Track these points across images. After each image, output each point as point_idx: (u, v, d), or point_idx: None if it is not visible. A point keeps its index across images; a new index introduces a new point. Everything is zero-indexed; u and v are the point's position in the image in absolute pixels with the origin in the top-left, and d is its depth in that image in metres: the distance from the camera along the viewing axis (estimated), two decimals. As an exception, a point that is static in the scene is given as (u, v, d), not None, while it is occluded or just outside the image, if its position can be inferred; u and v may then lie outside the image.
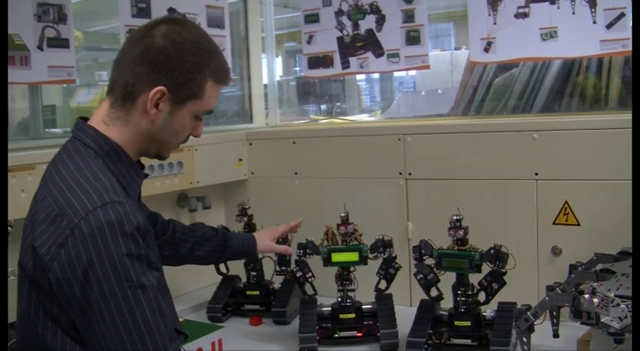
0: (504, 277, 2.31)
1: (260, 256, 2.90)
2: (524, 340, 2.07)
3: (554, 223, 2.59)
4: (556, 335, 2.18)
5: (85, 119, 1.70)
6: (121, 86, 1.65)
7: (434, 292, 2.42)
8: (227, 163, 3.27)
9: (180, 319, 2.41)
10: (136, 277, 1.51)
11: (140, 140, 1.69)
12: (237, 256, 2.61)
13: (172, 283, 2.79)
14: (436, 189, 2.82)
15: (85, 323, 1.51)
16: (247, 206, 2.91)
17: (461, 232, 2.31)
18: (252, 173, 3.33)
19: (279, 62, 3.99)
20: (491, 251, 2.29)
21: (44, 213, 1.55)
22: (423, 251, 2.40)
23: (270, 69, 3.83)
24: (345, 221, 2.52)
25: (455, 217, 2.33)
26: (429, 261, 2.41)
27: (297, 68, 4.37)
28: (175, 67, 1.63)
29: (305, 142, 3.18)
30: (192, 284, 3.22)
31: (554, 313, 2.14)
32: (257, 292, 2.93)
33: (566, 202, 2.56)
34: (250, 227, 2.90)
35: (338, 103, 4.31)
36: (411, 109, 3.73)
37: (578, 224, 2.54)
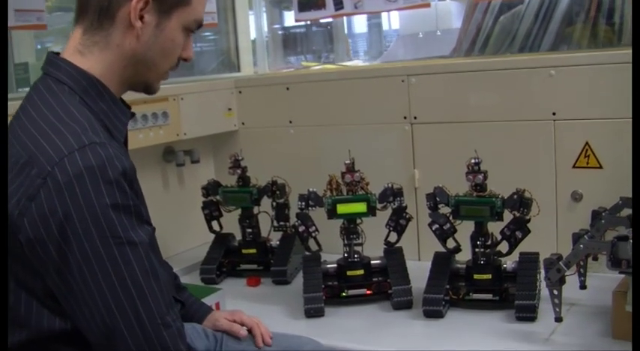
0: (528, 225, 2.11)
1: (255, 211, 2.68)
2: (556, 292, 1.88)
3: (574, 167, 2.40)
4: (583, 286, 2.03)
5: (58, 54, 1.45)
6: (95, 5, 1.40)
7: (451, 244, 2.23)
8: (215, 113, 3.07)
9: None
10: (124, 232, 1.30)
11: (124, 65, 1.44)
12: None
13: (160, 243, 2.66)
14: (444, 133, 2.62)
15: (63, 290, 1.30)
16: (240, 157, 2.70)
17: (480, 177, 2.11)
18: (243, 124, 3.12)
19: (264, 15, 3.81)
20: (514, 197, 2.09)
21: (10, 161, 1.32)
22: (437, 199, 2.19)
23: (257, 20, 3.66)
24: (350, 169, 2.30)
25: (473, 161, 2.12)
26: (444, 210, 2.20)
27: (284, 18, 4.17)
28: None
29: (299, 87, 2.96)
30: (182, 244, 3.04)
31: (582, 263, 1.97)
32: (254, 251, 2.73)
33: (586, 143, 2.37)
34: (244, 180, 2.69)
35: (325, 54, 4.14)
36: (410, 52, 3.51)
37: (600, 167, 2.36)
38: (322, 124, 2.89)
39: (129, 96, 1.52)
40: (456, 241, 2.22)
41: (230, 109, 3.10)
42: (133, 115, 1.55)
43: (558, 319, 1.90)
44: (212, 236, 2.80)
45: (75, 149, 1.27)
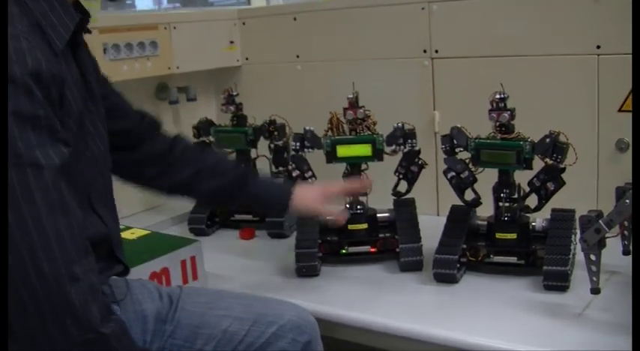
0: (562, 175, 1.77)
1: (253, 155, 2.37)
2: (593, 258, 1.54)
3: (620, 110, 2.05)
4: (627, 251, 1.71)
5: None
6: None
7: (469, 196, 1.90)
8: (215, 46, 2.76)
9: (134, 231, 1.95)
10: (26, 149, 1.04)
11: None
12: (257, 205, 1.97)
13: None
14: (469, 69, 2.28)
15: None
16: (235, 93, 2.39)
17: (506, 115, 1.76)
18: (247, 59, 2.83)
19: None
20: (547, 140, 1.74)
21: None
22: (455, 142, 1.85)
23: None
24: (353, 104, 1.96)
25: (498, 96, 1.77)
26: (463, 155, 1.87)
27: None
28: None
29: (308, 17, 2.64)
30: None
31: (626, 223, 1.65)
32: None
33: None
34: (239, 119, 2.38)
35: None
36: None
37: None
38: (332, 60, 2.58)
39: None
40: (475, 192, 1.89)
41: (232, 43, 2.80)
42: (84, 21, 1.32)
43: (595, 291, 1.56)
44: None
45: None
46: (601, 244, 1.53)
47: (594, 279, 1.55)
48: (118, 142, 1.55)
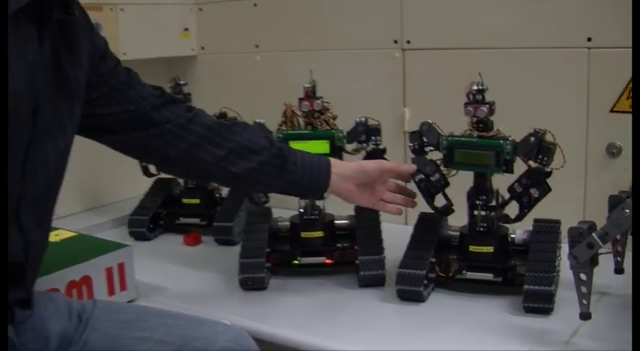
0: (548, 181, 1.54)
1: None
2: (584, 277, 1.30)
3: (612, 111, 1.83)
4: (620, 270, 1.49)
5: None
6: None
7: (440, 202, 1.66)
8: (168, 32, 2.52)
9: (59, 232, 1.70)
10: None
11: None
12: (295, 191, 1.60)
13: (92, 188, 2.20)
14: (445, 63, 2.06)
15: None
16: (183, 82, 2.16)
17: (484, 109, 1.52)
18: (203, 48, 2.61)
19: None
20: (531, 139, 1.50)
21: None
22: (425, 139, 1.61)
23: None
24: (310, 95, 1.72)
25: (475, 87, 1.54)
26: (435, 155, 1.64)
27: None
28: None
29: (270, 3, 2.42)
30: (120, 191, 2.50)
31: (618, 238, 1.40)
32: (197, 201, 2.20)
33: (631, 80, 1.78)
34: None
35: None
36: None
37: None
38: (294, 50, 2.36)
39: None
40: (447, 198, 1.65)
41: (187, 30, 2.58)
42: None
43: (585, 316, 1.32)
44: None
45: None
46: (593, 261, 1.30)
47: (584, 302, 1.31)
48: (125, 124, 1.41)
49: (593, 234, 1.28)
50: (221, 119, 2.05)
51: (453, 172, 1.62)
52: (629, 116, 1.79)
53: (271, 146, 1.52)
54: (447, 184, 1.62)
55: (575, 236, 1.30)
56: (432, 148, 1.62)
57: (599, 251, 1.31)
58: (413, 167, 1.61)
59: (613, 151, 1.84)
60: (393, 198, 1.65)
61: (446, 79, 2.01)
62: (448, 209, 1.64)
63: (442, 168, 1.61)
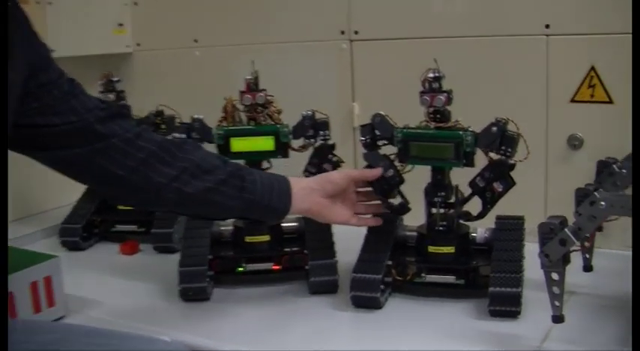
0: (512, 173, 1.43)
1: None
2: (556, 277, 1.19)
3: (572, 101, 1.74)
4: (589, 267, 1.44)
5: None
6: None
7: (395, 201, 1.54)
8: (101, 28, 2.37)
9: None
10: None
11: None
12: (257, 213, 1.42)
13: (20, 197, 2.12)
14: (396, 54, 1.95)
15: None
16: (116, 79, 2.01)
17: (442, 98, 1.41)
18: (139, 45, 2.46)
19: None
20: (493, 129, 1.39)
21: None
22: (377, 132, 1.49)
23: None
24: (251, 87, 1.59)
25: (431, 74, 1.42)
26: (388, 150, 1.52)
27: None
28: None
29: (208, -5, 2.29)
30: (52, 199, 2.32)
31: (587, 235, 1.32)
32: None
33: (592, 68, 1.70)
34: (121, 109, 1.98)
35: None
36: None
37: (610, 101, 1.70)
38: (235, 44, 2.23)
39: None
40: (402, 196, 1.53)
41: (121, 25, 2.43)
42: None
43: (558, 319, 1.21)
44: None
45: None
46: (566, 259, 1.19)
47: (557, 304, 1.20)
48: (67, 137, 1.24)
49: (566, 229, 1.17)
50: (157, 118, 1.93)
51: (409, 167, 1.50)
52: (590, 106, 1.73)
53: (225, 165, 1.37)
54: (402, 180, 1.50)
55: (546, 232, 1.19)
56: (385, 142, 1.50)
57: (573, 248, 1.21)
58: (378, 171, 1.48)
59: (575, 143, 1.75)
60: (367, 208, 1.53)
61: (397, 71, 1.90)
62: (404, 208, 1.52)
63: (396, 163, 1.49)
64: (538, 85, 1.76)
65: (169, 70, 2.38)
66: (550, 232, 1.18)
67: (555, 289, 1.20)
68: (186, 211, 1.43)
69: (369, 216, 1.53)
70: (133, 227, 2.03)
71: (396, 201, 1.53)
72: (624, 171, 1.37)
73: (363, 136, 1.51)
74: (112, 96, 1.99)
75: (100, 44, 2.36)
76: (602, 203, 1.13)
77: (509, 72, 1.81)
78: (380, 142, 1.50)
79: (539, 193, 1.79)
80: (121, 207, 2.03)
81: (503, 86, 1.81)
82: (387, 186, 1.49)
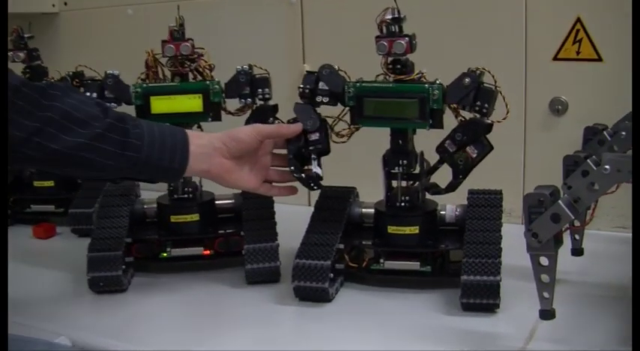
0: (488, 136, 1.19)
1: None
2: (545, 262, 0.95)
3: (555, 58, 1.56)
4: (579, 251, 1.25)
5: None
6: None
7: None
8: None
9: None
10: None
11: None
12: (144, 174, 1.17)
13: None
14: (353, 8, 1.73)
15: None
16: (28, 35, 1.77)
17: (402, 43, 1.16)
18: (65, 4, 2.26)
19: None
20: (465, 81, 1.15)
21: None
22: (321, 87, 1.24)
23: None
24: (175, 36, 1.34)
25: (389, 16, 1.17)
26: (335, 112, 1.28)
27: None
28: None
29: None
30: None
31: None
32: (51, 183, 1.83)
33: (578, 19, 1.51)
34: (34, 72, 1.75)
35: None
36: None
37: (599, 58, 1.51)
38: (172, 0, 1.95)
39: None
40: (319, 166, 1.27)
41: (47, -17, 2.24)
42: None
43: (547, 315, 0.98)
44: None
45: None
46: (558, 240, 0.95)
47: (546, 296, 0.97)
48: None
49: (560, 202, 0.92)
50: (75, 80, 1.67)
51: (360, 126, 1.24)
52: (576, 65, 1.56)
53: (105, 115, 1.10)
54: (327, 150, 1.25)
55: (535, 206, 0.94)
56: (326, 100, 1.23)
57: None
58: (298, 127, 1.22)
59: (558, 107, 1.57)
60: (282, 175, 1.27)
61: (354, 29, 1.64)
62: (317, 179, 1.25)
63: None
64: (516, 40, 1.57)
65: (98, 30, 2.18)
66: (539, 205, 0.94)
67: (544, 277, 0.97)
68: (57, 171, 1.16)
69: (284, 185, 1.27)
70: (50, 207, 1.82)
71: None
72: (623, 133, 1.14)
73: (302, 85, 1.24)
74: (22, 54, 1.73)
75: (23, 3, 2.14)
76: (607, 167, 0.89)
77: (479, 27, 1.61)
78: (320, 99, 1.24)
79: (516, 163, 1.61)
80: (37, 184, 1.81)
81: (472, 44, 1.61)
82: (305, 150, 1.23)
